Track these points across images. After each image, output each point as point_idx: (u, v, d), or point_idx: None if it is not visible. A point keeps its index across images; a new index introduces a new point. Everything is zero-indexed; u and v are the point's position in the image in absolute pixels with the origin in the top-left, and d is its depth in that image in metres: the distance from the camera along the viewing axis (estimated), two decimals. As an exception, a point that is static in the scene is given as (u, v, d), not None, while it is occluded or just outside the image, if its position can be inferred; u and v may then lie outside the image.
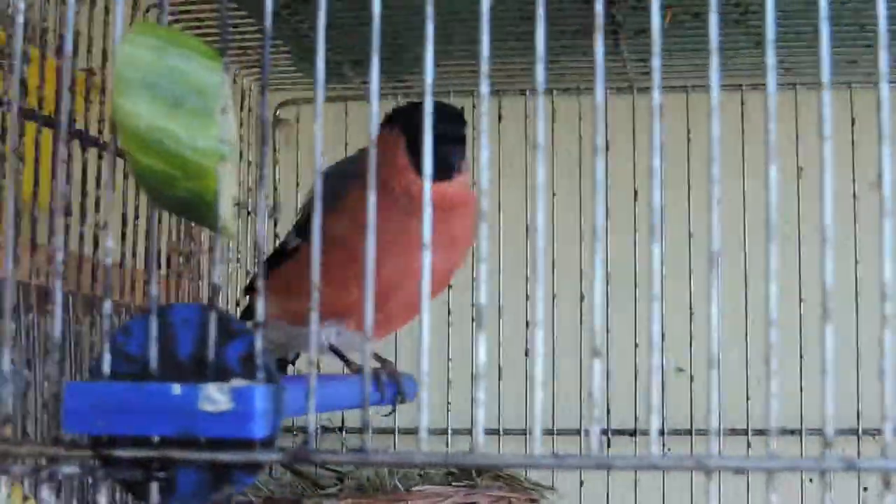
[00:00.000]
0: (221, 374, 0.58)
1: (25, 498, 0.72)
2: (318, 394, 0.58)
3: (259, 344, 0.58)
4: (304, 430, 1.19)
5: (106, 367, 0.58)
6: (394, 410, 0.99)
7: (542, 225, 0.56)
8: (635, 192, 1.23)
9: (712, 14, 0.56)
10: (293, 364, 1.06)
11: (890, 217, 0.54)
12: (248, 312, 1.08)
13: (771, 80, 0.55)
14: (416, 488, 1.05)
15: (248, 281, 1.12)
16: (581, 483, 1.25)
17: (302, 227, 0.95)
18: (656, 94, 0.56)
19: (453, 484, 1.09)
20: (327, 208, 0.91)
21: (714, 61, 0.56)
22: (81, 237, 0.82)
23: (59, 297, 0.59)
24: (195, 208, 0.59)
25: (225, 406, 0.56)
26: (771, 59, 0.55)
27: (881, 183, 0.54)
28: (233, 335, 0.59)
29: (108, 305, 0.59)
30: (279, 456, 0.57)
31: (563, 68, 1.20)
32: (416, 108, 0.87)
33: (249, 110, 1.25)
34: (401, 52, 1.14)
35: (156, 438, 0.57)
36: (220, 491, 0.59)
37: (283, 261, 0.94)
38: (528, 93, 1.26)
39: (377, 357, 0.97)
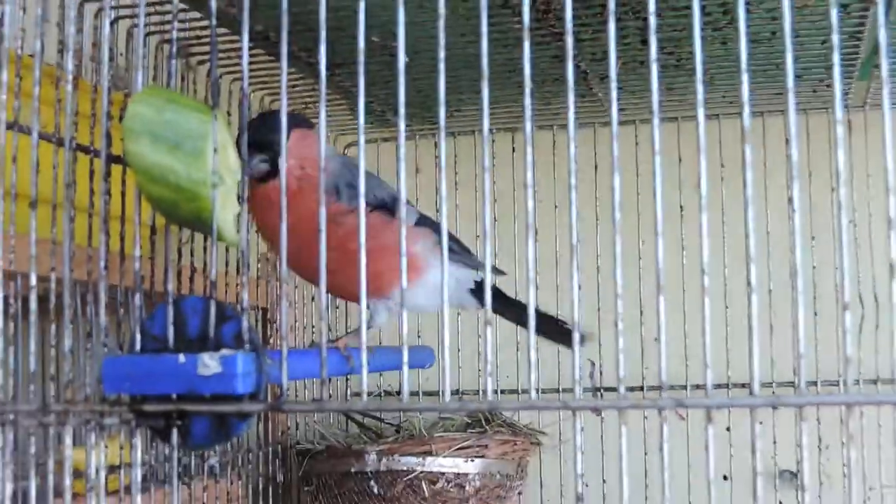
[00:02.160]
0: (218, 348, 0.77)
1: (121, 446, 0.92)
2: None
3: (245, 323, 0.77)
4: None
5: (136, 345, 0.78)
6: None
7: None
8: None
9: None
10: None
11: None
12: None
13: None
14: (438, 434, 1.26)
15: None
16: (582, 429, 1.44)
17: None
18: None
19: (468, 431, 1.33)
20: None
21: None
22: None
23: (102, 294, 0.80)
24: (198, 224, 0.78)
25: (215, 369, 0.75)
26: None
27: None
28: (228, 318, 0.78)
29: (138, 298, 0.79)
30: (261, 406, 0.76)
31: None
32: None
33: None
34: (428, 97, 1.33)
35: (174, 396, 0.77)
36: (222, 435, 0.78)
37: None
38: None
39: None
